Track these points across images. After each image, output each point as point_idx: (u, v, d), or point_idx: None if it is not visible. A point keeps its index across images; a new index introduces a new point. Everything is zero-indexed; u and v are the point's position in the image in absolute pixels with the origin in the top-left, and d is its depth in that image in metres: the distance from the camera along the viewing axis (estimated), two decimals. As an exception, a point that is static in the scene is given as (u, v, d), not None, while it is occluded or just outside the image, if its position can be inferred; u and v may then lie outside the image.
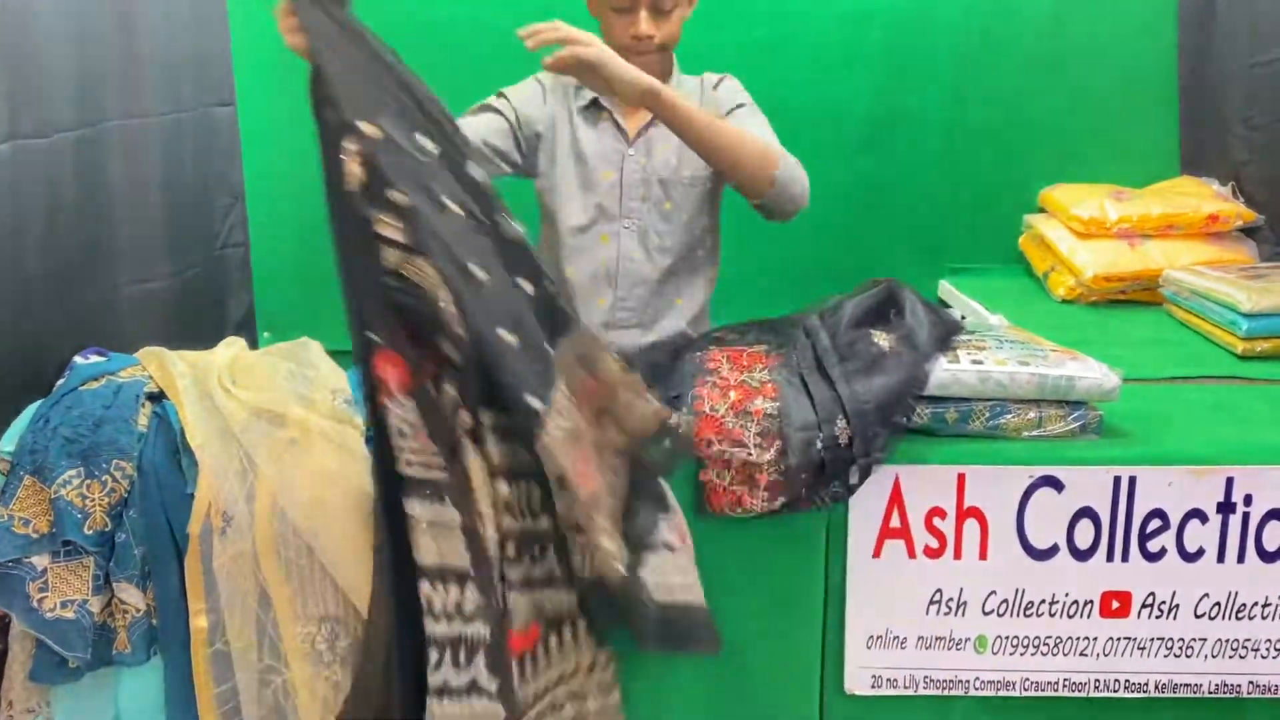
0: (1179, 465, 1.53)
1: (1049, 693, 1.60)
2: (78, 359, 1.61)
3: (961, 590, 1.57)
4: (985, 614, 1.57)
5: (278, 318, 2.65)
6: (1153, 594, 1.56)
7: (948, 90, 2.81)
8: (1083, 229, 2.57)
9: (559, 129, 1.97)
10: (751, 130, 1.87)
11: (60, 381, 1.57)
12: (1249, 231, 2.59)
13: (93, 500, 1.43)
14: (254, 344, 1.97)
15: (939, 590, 1.57)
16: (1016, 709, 1.62)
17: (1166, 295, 2.38)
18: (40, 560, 1.41)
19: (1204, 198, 2.60)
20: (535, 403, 1.35)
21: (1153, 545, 1.55)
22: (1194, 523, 1.54)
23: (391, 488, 1.37)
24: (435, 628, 1.35)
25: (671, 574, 1.45)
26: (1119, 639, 1.58)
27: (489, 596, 1.38)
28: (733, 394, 1.54)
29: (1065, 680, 1.60)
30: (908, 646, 1.59)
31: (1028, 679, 1.60)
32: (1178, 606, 1.57)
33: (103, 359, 1.62)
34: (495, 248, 1.43)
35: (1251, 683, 1.59)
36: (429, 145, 1.42)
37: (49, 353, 1.65)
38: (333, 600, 1.46)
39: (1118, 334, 2.26)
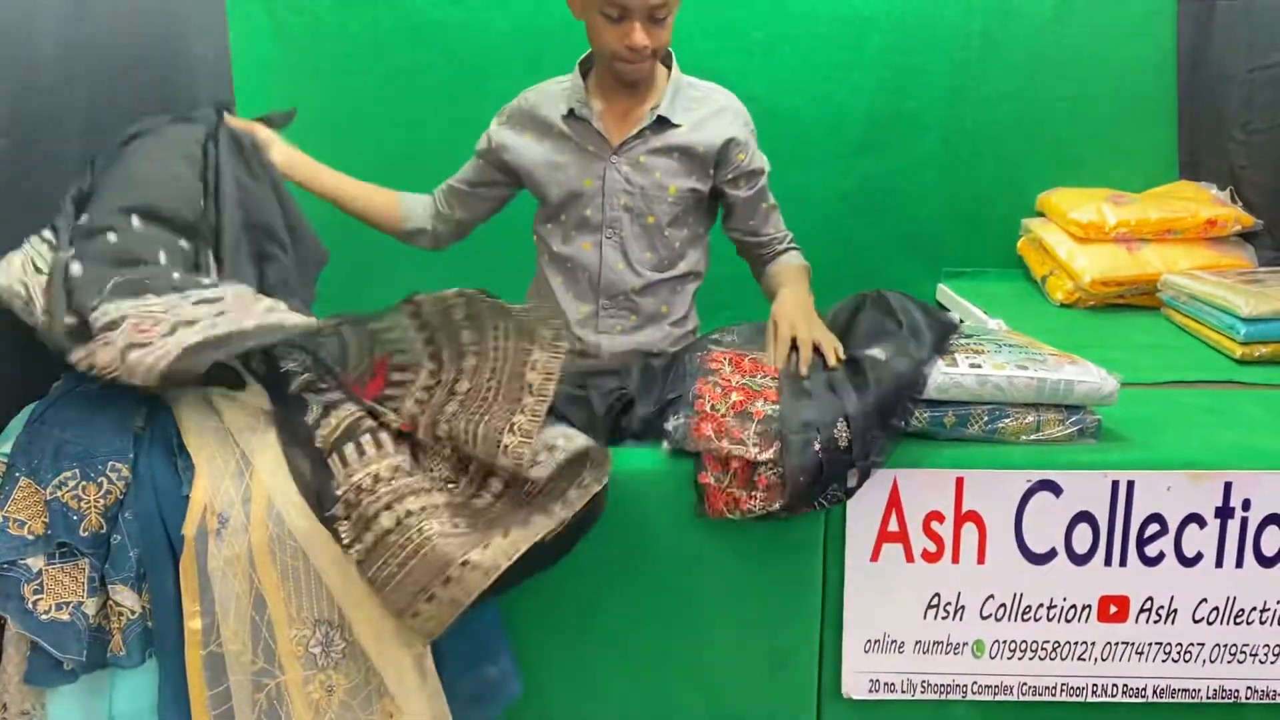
0: (1177, 470, 1.53)
1: (1046, 697, 1.60)
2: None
3: (959, 594, 1.57)
4: (983, 618, 1.57)
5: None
6: (1151, 599, 1.56)
7: (947, 94, 2.82)
8: (1081, 233, 2.57)
9: (541, 141, 1.96)
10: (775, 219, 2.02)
11: (56, 383, 1.57)
12: (1247, 236, 2.60)
13: (88, 502, 1.42)
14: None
15: (937, 594, 1.57)
16: (1014, 713, 1.61)
17: (1165, 300, 2.38)
18: (35, 562, 1.41)
19: (1202, 202, 2.60)
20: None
21: (1151, 550, 1.55)
22: (1192, 527, 1.54)
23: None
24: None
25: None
26: (1117, 644, 1.58)
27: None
28: (735, 395, 1.54)
29: (1063, 685, 1.59)
30: (905, 651, 1.58)
31: (1025, 683, 1.59)
32: (1176, 611, 1.57)
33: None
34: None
35: (1250, 688, 1.59)
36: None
37: (45, 354, 1.65)
38: (327, 604, 1.45)
39: (1116, 338, 2.26)
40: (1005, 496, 1.54)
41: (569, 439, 1.45)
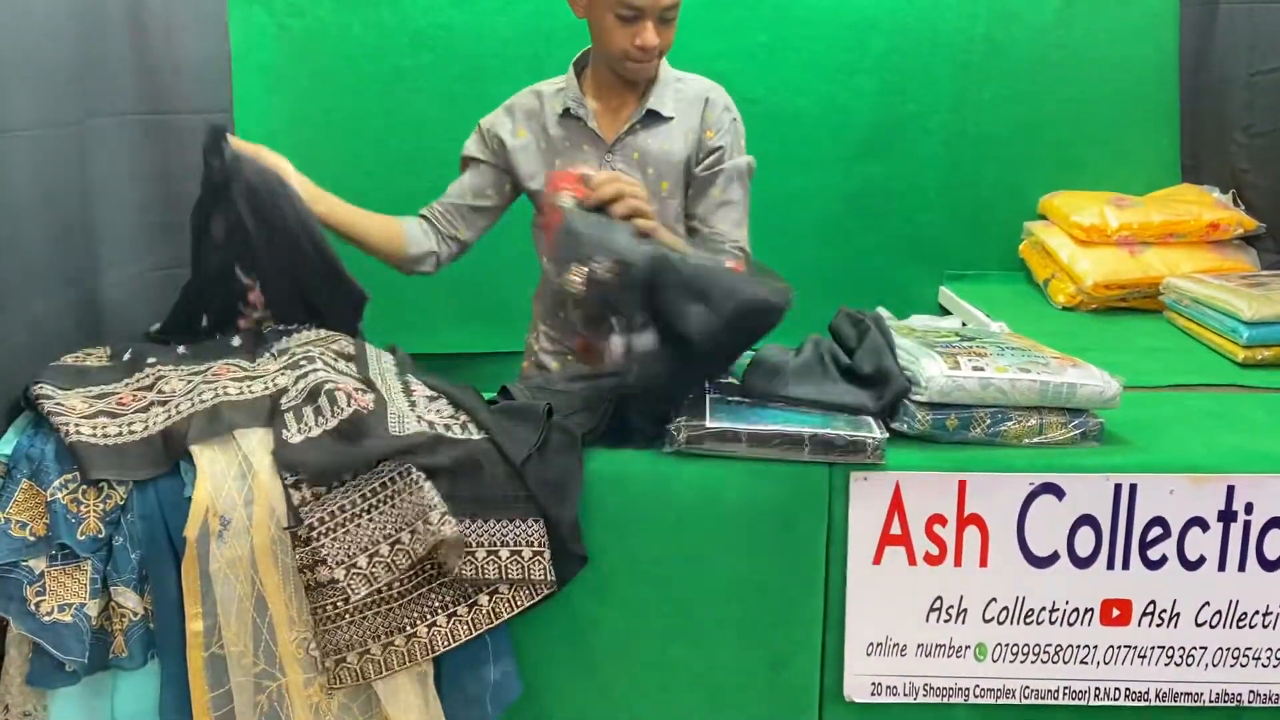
0: (1180, 473, 1.53)
1: (1049, 701, 1.59)
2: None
3: (962, 598, 1.56)
4: (985, 621, 1.57)
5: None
6: (1153, 602, 1.56)
7: (949, 97, 2.82)
8: (1084, 236, 2.57)
9: (537, 141, 1.96)
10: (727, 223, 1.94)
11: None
12: (1250, 239, 2.60)
13: (87, 506, 1.42)
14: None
15: (939, 597, 1.56)
16: (1016, 717, 1.61)
17: (1167, 303, 2.38)
18: (37, 564, 1.41)
19: (1205, 206, 2.61)
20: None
21: (1153, 553, 1.55)
22: (1195, 531, 1.54)
23: None
24: None
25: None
26: (1119, 647, 1.57)
27: None
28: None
29: (1065, 689, 1.59)
30: (907, 654, 1.58)
31: (1028, 687, 1.59)
32: (1178, 615, 1.56)
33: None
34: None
35: (1252, 692, 1.58)
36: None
37: (47, 355, 1.65)
38: (330, 605, 1.45)
39: (1118, 341, 2.26)
40: (1008, 499, 1.53)
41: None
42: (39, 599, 1.40)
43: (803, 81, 2.78)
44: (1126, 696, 1.59)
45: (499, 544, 1.45)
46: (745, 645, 1.59)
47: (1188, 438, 1.63)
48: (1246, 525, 1.53)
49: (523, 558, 1.45)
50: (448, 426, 1.51)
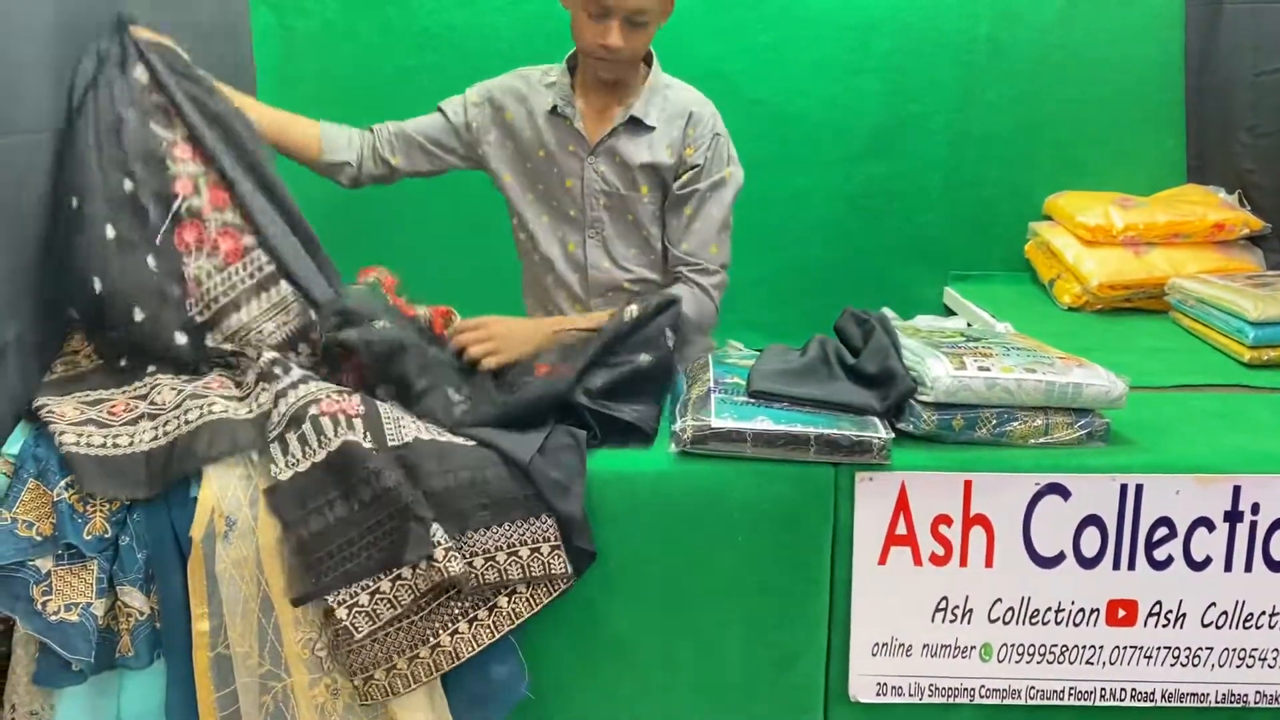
0: (1186, 473, 1.53)
1: (1055, 701, 1.59)
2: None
3: (967, 598, 1.56)
4: (991, 622, 1.57)
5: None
6: (1159, 602, 1.56)
7: (954, 98, 2.82)
8: (1089, 236, 2.57)
9: (520, 136, 1.96)
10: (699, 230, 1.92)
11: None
12: (1255, 240, 2.59)
13: (93, 505, 1.43)
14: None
15: (944, 598, 1.56)
16: (1022, 717, 1.61)
17: (1173, 303, 2.38)
18: (44, 563, 1.41)
19: (1210, 206, 2.60)
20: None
21: (1159, 553, 1.54)
22: (1201, 531, 1.54)
23: None
24: None
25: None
26: (1125, 648, 1.57)
27: None
28: None
29: (1071, 689, 1.59)
30: (913, 654, 1.58)
31: (1033, 687, 1.59)
32: (1184, 615, 1.56)
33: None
34: None
35: (1259, 692, 1.58)
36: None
37: (50, 355, 1.65)
38: (336, 605, 1.45)
39: (1124, 341, 2.26)
40: (1013, 500, 1.53)
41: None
42: (45, 598, 1.40)
43: (806, 82, 2.78)
44: (1132, 697, 1.59)
45: (517, 544, 1.46)
46: (750, 645, 1.59)
47: (1194, 438, 1.63)
48: (1253, 526, 1.53)
49: (542, 554, 1.46)
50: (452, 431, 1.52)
